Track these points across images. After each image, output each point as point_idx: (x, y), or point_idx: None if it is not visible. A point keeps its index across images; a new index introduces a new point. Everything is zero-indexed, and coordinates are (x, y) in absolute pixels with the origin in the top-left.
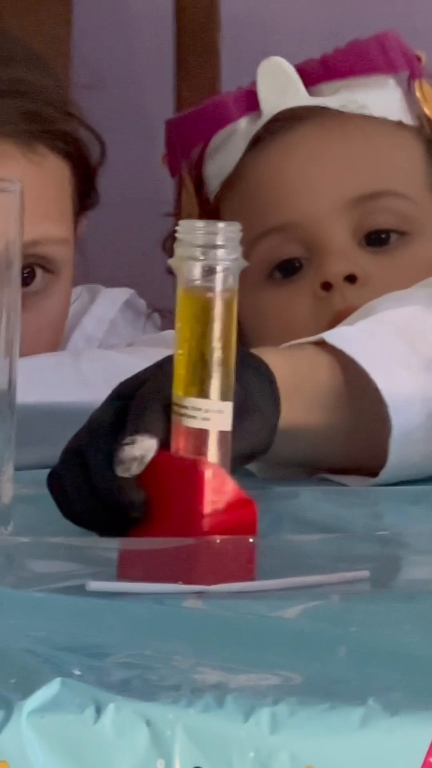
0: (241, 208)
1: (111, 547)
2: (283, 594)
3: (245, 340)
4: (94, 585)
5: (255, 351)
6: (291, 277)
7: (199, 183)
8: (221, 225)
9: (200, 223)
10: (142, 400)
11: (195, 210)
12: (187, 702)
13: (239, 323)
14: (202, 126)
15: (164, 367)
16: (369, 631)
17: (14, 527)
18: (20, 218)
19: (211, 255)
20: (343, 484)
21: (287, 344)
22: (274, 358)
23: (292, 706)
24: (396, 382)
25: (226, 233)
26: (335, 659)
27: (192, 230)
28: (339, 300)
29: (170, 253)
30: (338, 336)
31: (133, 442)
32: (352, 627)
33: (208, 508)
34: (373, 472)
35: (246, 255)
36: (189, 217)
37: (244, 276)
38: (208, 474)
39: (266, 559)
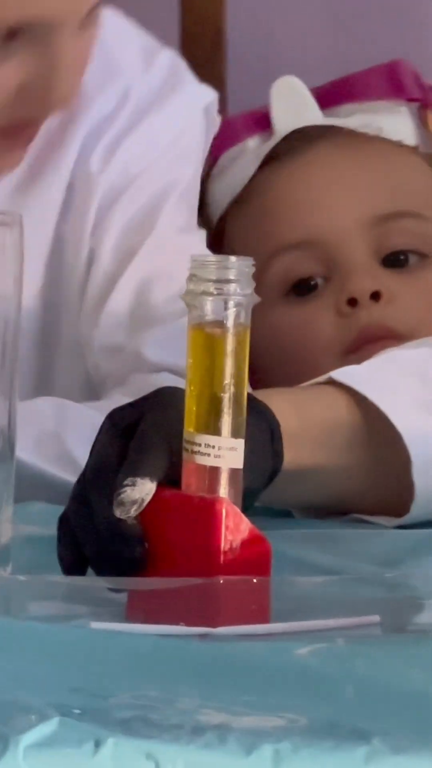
0: (253, 226)
1: (113, 587)
2: (290, 636)
3: (259, 361)
4: (97, 625)
5: (261, 394)
6: (307, 295)
7: (203, 204)
8: (234, 259)
9: (212, 258)
10: (143, 439)
11: None
12: (188, 739)
13: (252, 343)
14: (211, 145)
15: (162, 398)
16: (376, 671)
17: (14, 566)
18: (19, 252)
19: (224, 290)
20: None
21: (297, 387)
22: (279, 402)
23: (295, 744)
24: (408, 414)
25: (239, 268)
26: (342, 700)
27: (204, 265)
28: (365, 316)
29: None
30: (346, 374)
31: (133, 485)
32: (359, 667)
33: (224, 546)
34: (403, 511)
35: (260, 272)
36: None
37: (257, 294)
38: (224, 512)
39: (273, 601)
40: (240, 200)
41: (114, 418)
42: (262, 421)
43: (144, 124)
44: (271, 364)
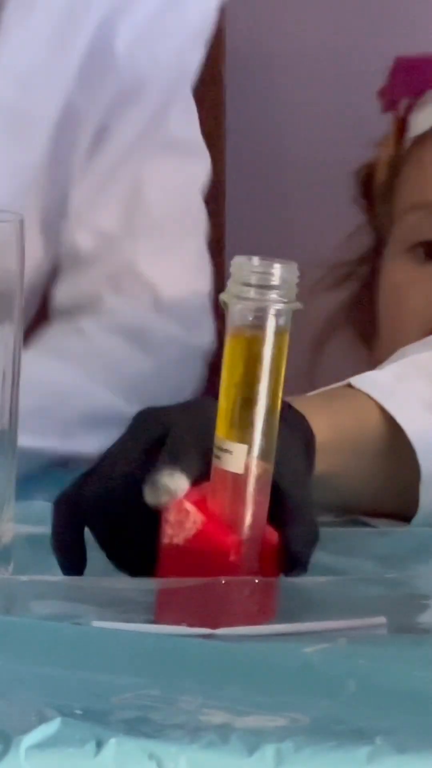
0: (415, 174)
1: (114, 587)
2: (294, 637)
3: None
4: (99, 624)
5: (296, 402)
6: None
7: (402, 126)
8: (277, 265)
9: (256, 261)
10: (181, 439)
11: (389, 151)
12: (190, 738)
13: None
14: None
15: (197, 406)
16: (378, 669)
17: (15, 566)
18: (21, 249)
19: (265, 296)
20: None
21: (328, 392)
22: (314, 413)
23: (297, 743)
24: (425, 426)
25: (282, 274)
26: (344, 698)
27: (246, 268)
28: None
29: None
30: (366, 380)
31: (172, 474)
32: (362, 667)
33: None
34: (408, 517)
35: (396, 220)
36: (382, 156)
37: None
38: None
39: (278, 601)
40: (421, 139)
41: (145, 422)
42: (297, 431)
43: (174, 11)
44: (385, 320)
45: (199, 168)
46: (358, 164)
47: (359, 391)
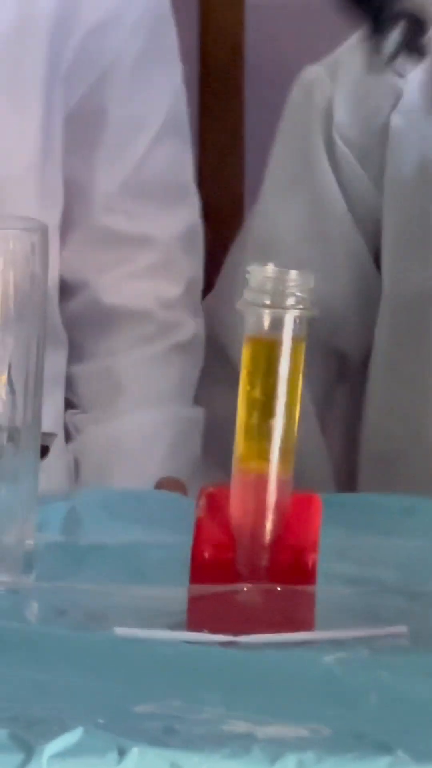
0: None
1: (135, 594)
2: (315, 646)
3: None
4: (121, 631)
5: None
6: None
7: None
8: (293, 273)
9: (271, 270)
10: None
11: None
12: (213, 748)
13: None
14: None
15: None
16: (400, 680)
17: (37, 574)
18: (45, 256)
19: (281, 303)
20: None
21: None
22: None
23: (319, 754)
24: None
25: (298, 282)
26: (365, 709)
27: (262, 276)
28: None
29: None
30: None
31: None
32: (383, 678)
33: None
34: None
35: None
36: None
37: None
38: None
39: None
40: None
41: None
42: None
43: None
44: None
45: None
46: None
47: None
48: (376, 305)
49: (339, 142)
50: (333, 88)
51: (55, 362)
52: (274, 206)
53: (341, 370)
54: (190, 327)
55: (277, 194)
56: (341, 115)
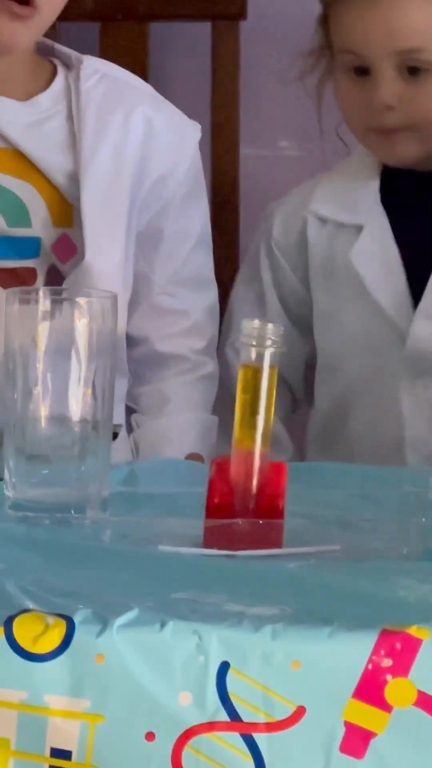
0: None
1: (172, 525)
2: (283, 557)
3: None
4: (163, 548)
5: None
6: (364, 76)
7: None
8: (270, 326)
9: (256, 323)
10: None
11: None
12: (218, 621)
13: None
14: None
15: None
16: (335, 577)
17: (110, 512)
18: (114, 315)
19: (262, 345)
20: None
21: None
22: None
23: (286, 624)
24: None
25: (273, 331)
26: (315, 596)
27: (251, 328)
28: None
29: None
30: None
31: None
32: (327, 577)
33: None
34: None
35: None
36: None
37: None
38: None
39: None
40: None
41: None
42: None
43: None
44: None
45: None
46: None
47: None
48: (302, 362)
49: (275, 250)
50: (274, 216)
51: (121, 386)
52: (234, 296)
53: (294, 396)
54: (211, 366)
55: (239, 286)
56: (277, 231)
